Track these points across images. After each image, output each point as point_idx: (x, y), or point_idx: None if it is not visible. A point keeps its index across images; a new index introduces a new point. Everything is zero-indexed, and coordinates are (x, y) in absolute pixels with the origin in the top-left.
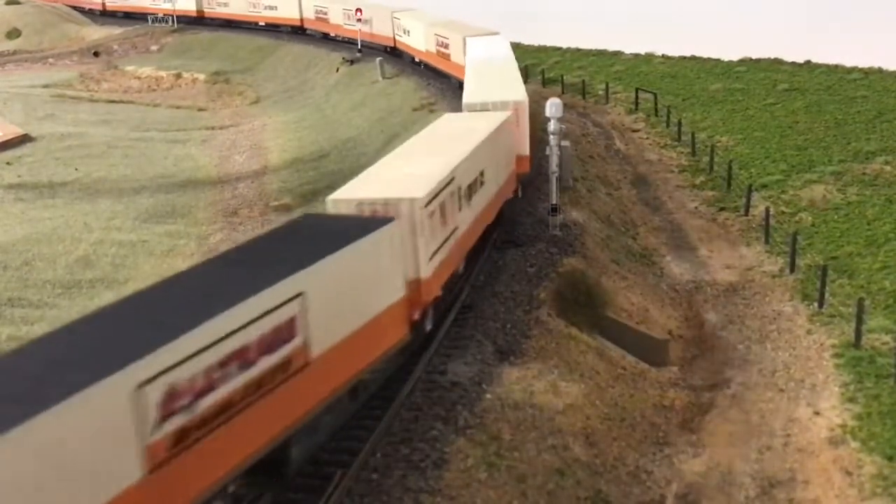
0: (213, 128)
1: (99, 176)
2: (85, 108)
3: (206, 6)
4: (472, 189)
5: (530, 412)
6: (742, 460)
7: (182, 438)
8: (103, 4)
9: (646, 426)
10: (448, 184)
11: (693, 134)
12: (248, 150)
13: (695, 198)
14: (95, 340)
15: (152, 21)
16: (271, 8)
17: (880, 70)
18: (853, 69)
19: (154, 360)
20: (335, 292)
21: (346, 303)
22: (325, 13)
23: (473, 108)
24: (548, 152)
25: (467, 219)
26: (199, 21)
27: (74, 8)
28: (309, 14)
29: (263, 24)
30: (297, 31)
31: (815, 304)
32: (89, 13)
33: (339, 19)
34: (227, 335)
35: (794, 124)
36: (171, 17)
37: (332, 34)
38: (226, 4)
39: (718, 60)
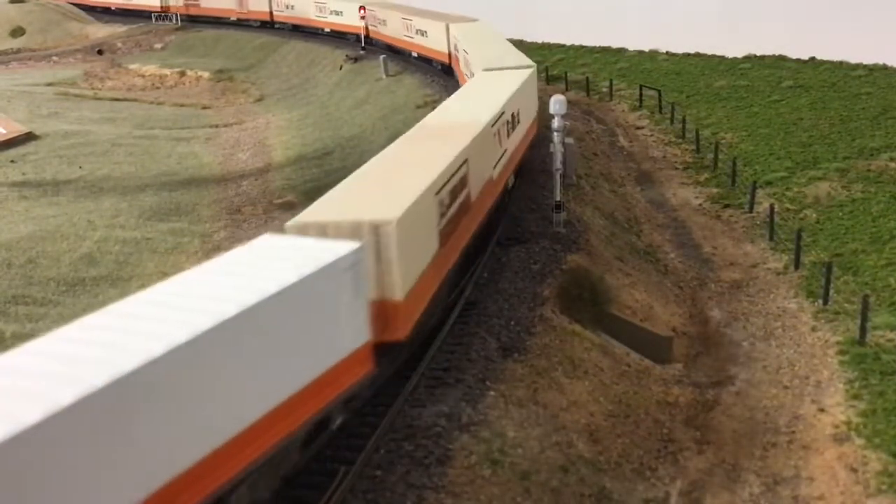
0: (216, 125)
1: (103, 174)
2: (89, 106)
3: (371, 27)
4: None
5: (534, 409)
6: (746, 457)
7: None
8: (271, 14)
9: (650, 423)
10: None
11: (697, 131)
12: (252, 147)
13: (699, 195)
14: None
15: (156, 19)
16: (422, 33)
17: (885, 66)
18: (858, 66)
19: None
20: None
21: None
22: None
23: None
24: (552, 149)
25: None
26: (366, 40)
27: (215, 20)
28: (454, 50)
29: (416, 54)
30: (446, 71)
31: (820, 301)
32: (240, 22)
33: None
34: None
35: (798, 121)
36: (175, 16)
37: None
38: (384, 23)
39: (723, 57)
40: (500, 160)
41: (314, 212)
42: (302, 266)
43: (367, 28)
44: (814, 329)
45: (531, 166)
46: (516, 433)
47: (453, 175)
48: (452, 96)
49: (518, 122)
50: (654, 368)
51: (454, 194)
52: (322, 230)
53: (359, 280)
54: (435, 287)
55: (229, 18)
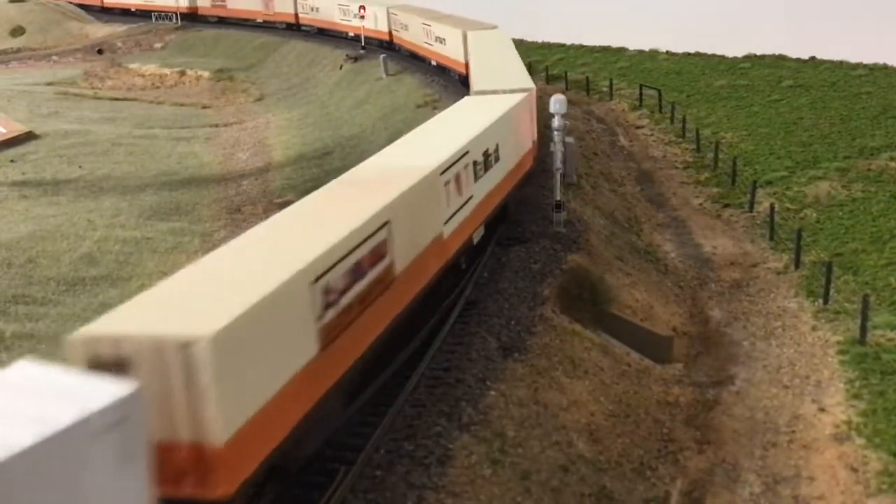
0: (216, 125)
1: (103, 173)
2: (89, 106)
3: (395, 31)
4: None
5: (534, 409)
6: (747, 457)
7: None
8: (296, 16)
9: (650, 423)
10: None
11: (697, 130)
12: (252, 147)
13: (699, 194)
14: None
15: (156, 18)
16: (441, 41)
17: (885, 66)
18: (858, 65)
19: None
20: None
21: None
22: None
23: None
24: (552, 149)
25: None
26: (390, 46)
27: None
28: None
29: (435, 62)
30: (464, 83)
31: (820, 301)
32: (266, 24)
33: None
34: None
35: (798, 120)
36: (181, 18)
37: None
38: (406, 28)
39: (723, 57)
40: (457, 213)
41: (115, 318)
42: (22, 433)
43: (391, 33)
44: (814, 328)
45: (521, 208)
46: (516, 433)
47: (358, 246)
48: (419, 128)
49: (497, 159)
50: (654, 368)
51: (358, 272)
52: (116, 348)
53: (131, 443)
54: (308, 407)
55: (255, 20)
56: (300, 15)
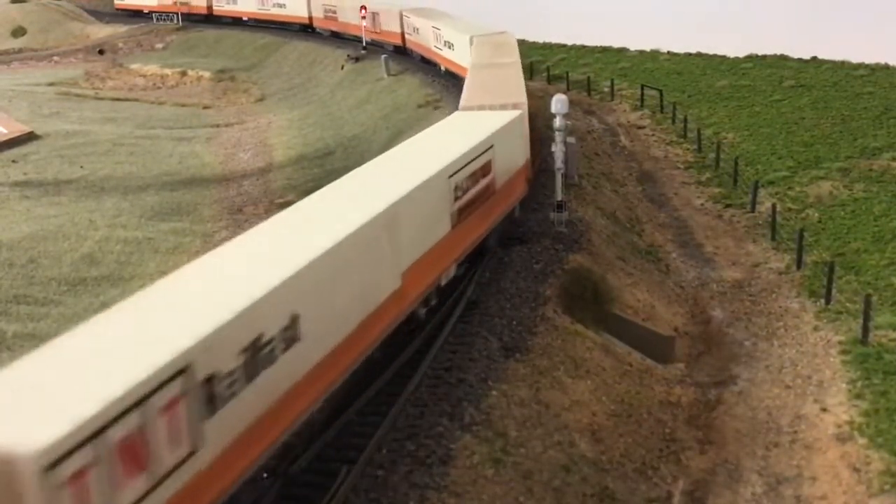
0: (218, 125)
1: (104, 173)
2: (90, 106)
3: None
4: None
5: (536, 409)
6: (749, 457)
7: None
8: (403, 37)
9: (652, 423)
10: None
11: (699, 130)
12: (253, 147)
13: (701, 194)
14: None
15: (155, 19)
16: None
17: (887, 66)
18: (859, 65)
19: None
20: None
21: None
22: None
23: None
24: (553, 149)
25: None
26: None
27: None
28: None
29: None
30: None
31: (822, 301)
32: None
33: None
34: None
35: (800, 121)
36: (176, 16)
37: None
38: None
39: (724, 57)
40: None
41: None
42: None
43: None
44: (816, 329)
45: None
46: (518, 433)
47: None
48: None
49: None
50: (656, 368)
51: None
52: None
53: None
54: None
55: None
56: (407, 36)
